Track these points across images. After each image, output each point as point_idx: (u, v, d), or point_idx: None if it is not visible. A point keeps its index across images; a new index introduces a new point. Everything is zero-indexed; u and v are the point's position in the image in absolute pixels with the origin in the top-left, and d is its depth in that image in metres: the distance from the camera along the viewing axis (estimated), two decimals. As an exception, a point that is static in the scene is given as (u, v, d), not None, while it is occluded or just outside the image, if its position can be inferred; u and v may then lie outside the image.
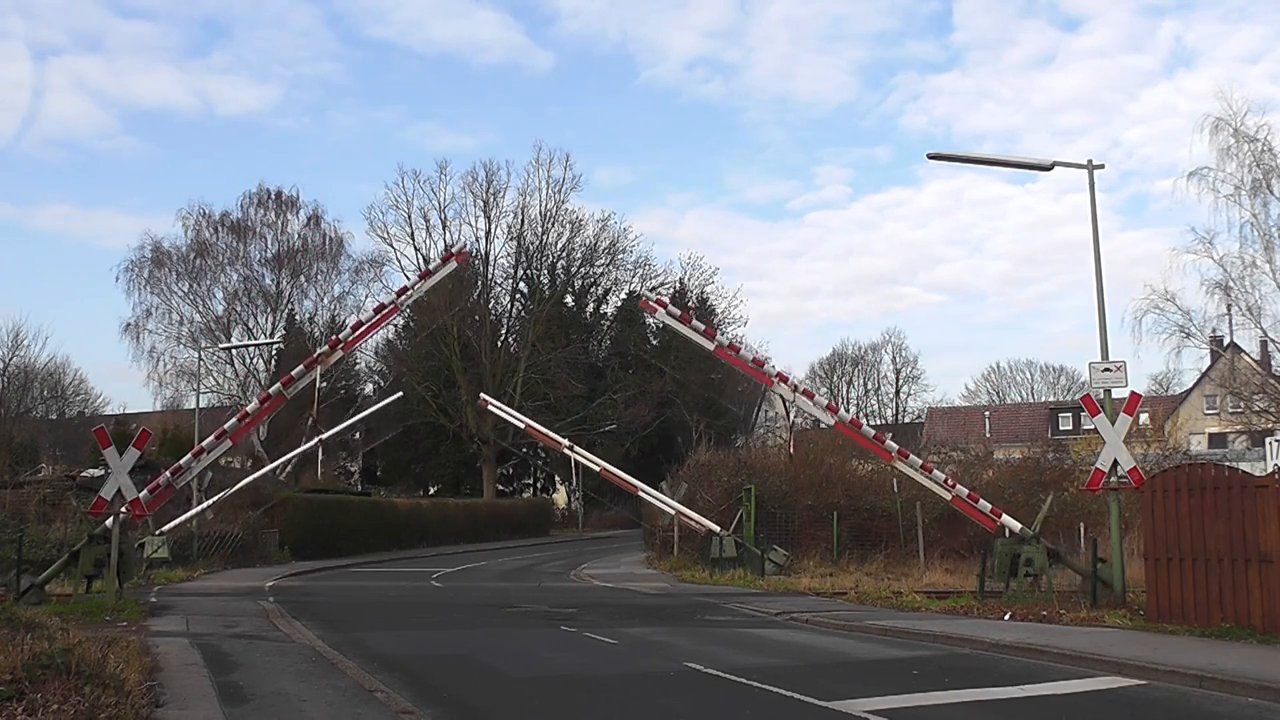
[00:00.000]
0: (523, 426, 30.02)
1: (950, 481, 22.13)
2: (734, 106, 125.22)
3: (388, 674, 10.99)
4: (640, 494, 27.18)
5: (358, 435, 62.96)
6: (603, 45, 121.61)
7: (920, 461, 22.97)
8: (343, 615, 18.01)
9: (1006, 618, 16.45)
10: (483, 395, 27.03)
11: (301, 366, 20.89)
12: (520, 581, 28.17)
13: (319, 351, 19.65)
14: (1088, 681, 10.94)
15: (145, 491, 19.25)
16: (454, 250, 23.07)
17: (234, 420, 20.78)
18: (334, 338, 20.32)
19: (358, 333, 21.66)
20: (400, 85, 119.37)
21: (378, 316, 21.72)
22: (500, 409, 26.96)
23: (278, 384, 21.38)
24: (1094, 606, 17.16)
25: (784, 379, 22.99)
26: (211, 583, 24.95)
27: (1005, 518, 20.71)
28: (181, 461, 20.68)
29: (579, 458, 25.06)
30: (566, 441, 29.26)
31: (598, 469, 25.72)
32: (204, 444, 20.54)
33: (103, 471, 23.61)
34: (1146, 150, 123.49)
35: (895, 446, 22.73)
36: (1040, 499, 27.06)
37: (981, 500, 21.80)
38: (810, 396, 23.46)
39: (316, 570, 30.95)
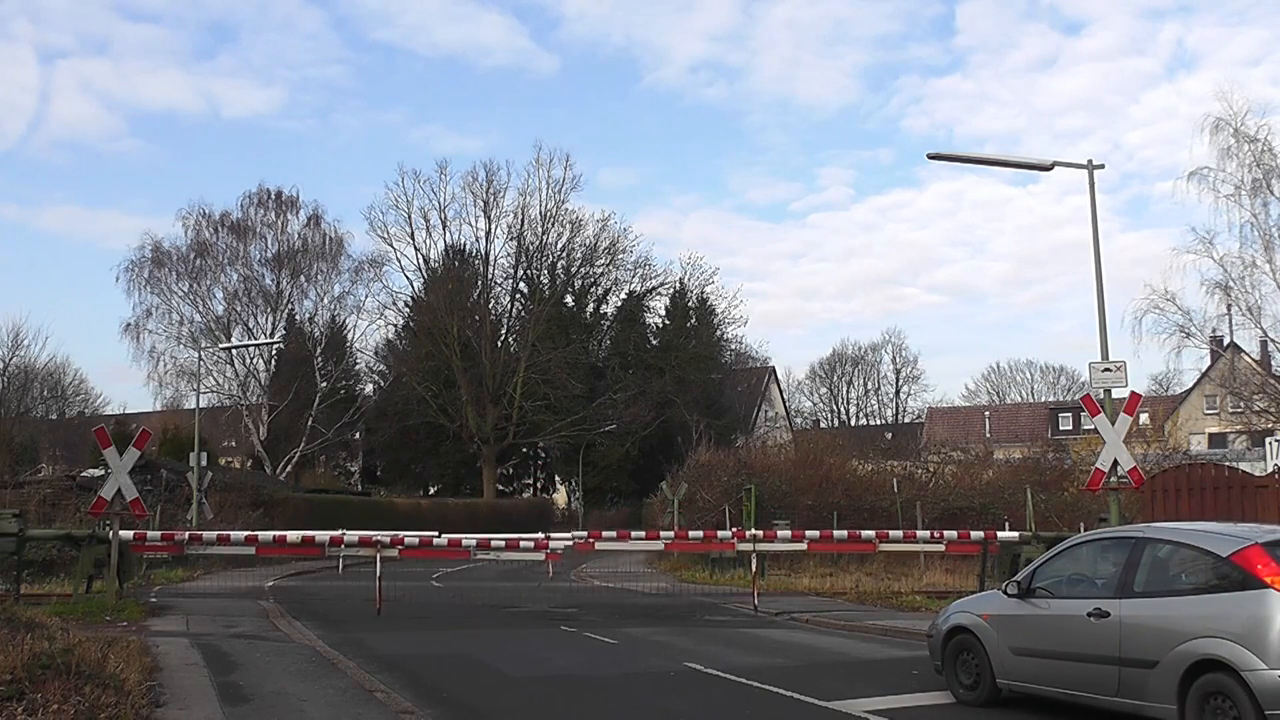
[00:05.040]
0: None
1: None
2: (737, 109, 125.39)
3: (388, 674, 10.99)
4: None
5: (357, 435, 63.03)
6: (606, 49, 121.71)
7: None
8: (343, 615, 18.01)
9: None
10: None
11: (357, 539, 20.23)
12: (520, 581, 28.15)
13: (377, 539, 19.19)
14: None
15: (159, 535, 19.32)
16: None
17: (271, 537, 20.61)
18: (399, 536, 19.75)
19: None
20: (405, 88, 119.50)
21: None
22: None
23: (330, 538, 20.81)
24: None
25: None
26: (211, 583, 24.95)
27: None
28: (204, 535, 20.76)
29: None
30: None
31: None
32: (232, 535, 20.43)
33: (103, 471, 23.62)
34: (1147, 152, 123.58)
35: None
36: (1040, 499, 27.10)
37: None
38: None
39: (316, 570, 30.93)
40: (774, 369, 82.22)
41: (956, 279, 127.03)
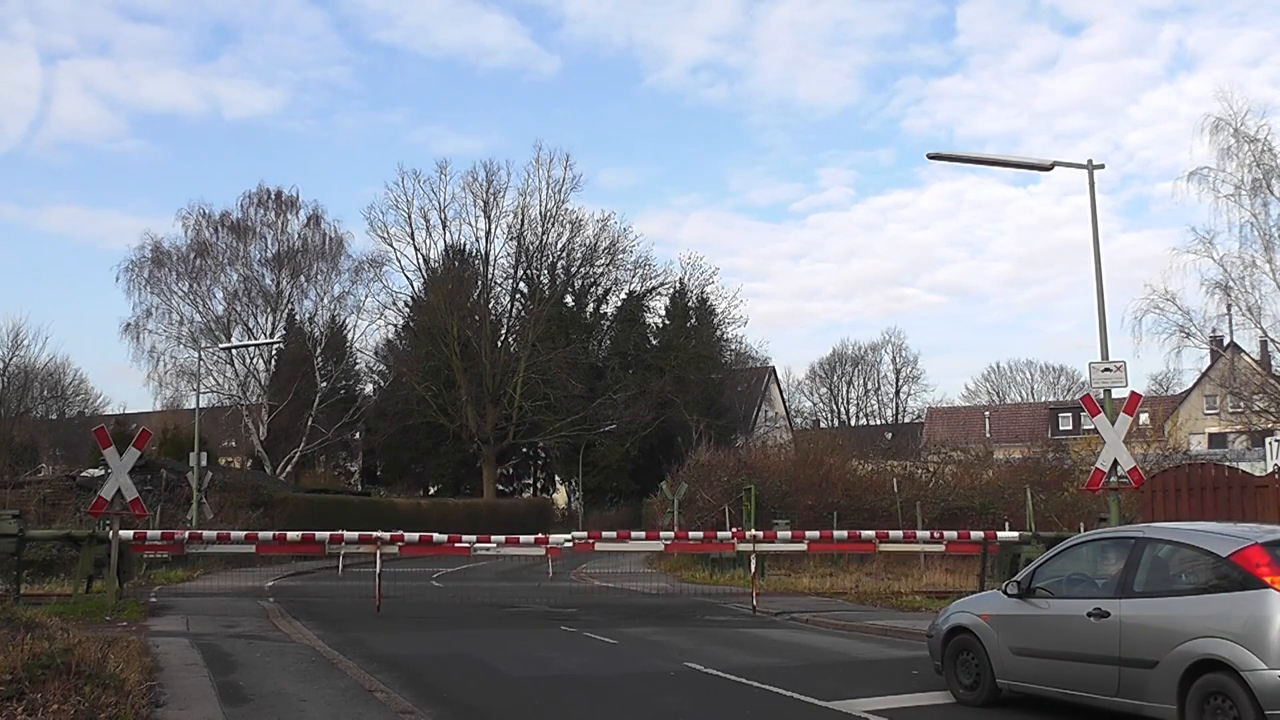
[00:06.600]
0: None
1: None
2: (738, 110, 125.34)
3: (388, 674, 10.99)
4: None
5: (357, 435, 63.03)
6: (608, 50, 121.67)
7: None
8: (343, 615, 18.01)
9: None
10: None
11: (356, 537, 20.09)
12: (520, 581, 28.18)
13: (377, 536, 19.13)
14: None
15: (159, 535, 19.29)
16: None
17: (271, 535, 20.16)
18: (398, 533, 19.61)
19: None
20: (407, 89, 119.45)
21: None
22: None
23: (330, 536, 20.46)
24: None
25: None
26: (211, 583, 24.95)
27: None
28: (204, 534, 20.53)
29: None
30: None
31: None
32: (233, 534, 20.06)
33: (103, 471, 23.61)
34: (1147, 153, 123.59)
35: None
36: (1040, 499, 27.09)
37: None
38: None
39: (316, 570, 30.94)
40: (774, 369, 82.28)
41: (956, 279, 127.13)
